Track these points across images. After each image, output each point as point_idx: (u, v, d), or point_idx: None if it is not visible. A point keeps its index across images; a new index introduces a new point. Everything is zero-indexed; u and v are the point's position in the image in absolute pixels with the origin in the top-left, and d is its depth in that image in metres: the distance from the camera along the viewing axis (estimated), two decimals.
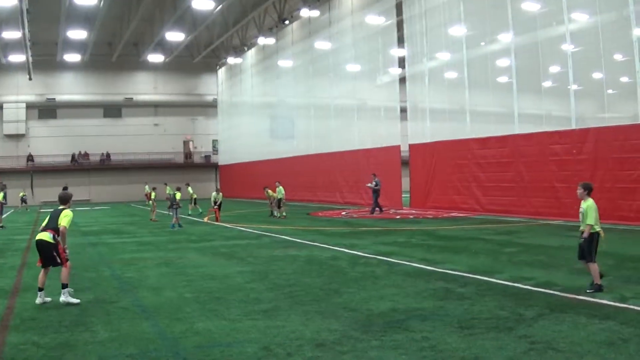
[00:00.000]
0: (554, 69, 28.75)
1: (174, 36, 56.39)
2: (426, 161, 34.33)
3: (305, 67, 50.61)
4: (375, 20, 40.58)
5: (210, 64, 72.11)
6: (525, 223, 24.79)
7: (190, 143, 74.25)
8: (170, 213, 29.11)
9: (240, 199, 59.69)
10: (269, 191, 33.85)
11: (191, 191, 37.23)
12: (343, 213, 35.16)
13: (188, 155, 74.41)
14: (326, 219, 31.41)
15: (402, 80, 38.98)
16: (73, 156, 69.30)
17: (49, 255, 10.74)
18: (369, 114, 41.98)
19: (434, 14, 34.11)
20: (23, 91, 65.65)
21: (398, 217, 30.71)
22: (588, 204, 10.77)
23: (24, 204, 53.35)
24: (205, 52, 66.54)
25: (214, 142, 74.35)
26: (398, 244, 18.95)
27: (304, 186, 49.03)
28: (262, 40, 56.74)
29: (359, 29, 42.61)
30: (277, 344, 7.87)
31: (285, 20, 51.61)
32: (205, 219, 32.37)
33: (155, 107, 72.86)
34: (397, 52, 39.73)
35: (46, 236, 10.72)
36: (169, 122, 73.14)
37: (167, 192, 38.67)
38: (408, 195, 36.80)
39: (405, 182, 37.09)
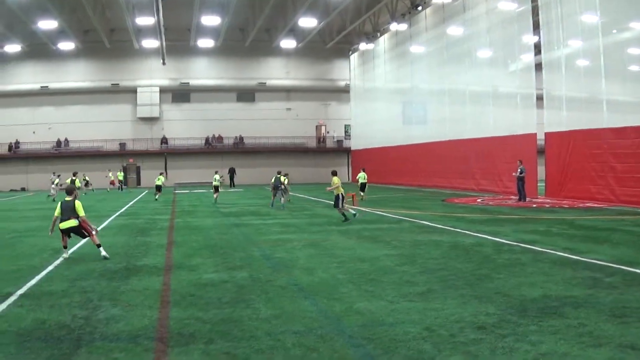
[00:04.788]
0: None
1: (307, 22, 57.39)
2: (562, 150, 33.47)
3: (438, 53, 50.10)
4: (509, 6, 39.79)
5: (343, 49, 72.33)
6: None
7: (323, 128, 74.77)
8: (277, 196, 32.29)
9: (372, 184, 59.94)
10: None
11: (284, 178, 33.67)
12: (479, 200, 34.94)
13: (321, 139, 75.02)
14: (462, 206, 31.34)
15: (535, 67, 38.38)
16: (207, 139, 71.49)
17: (78, 232, 14.75)
18: (503, 101, 41.07)
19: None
20: (157, 75, 68.46)
21: (534, 205, 30.24)
22: None
23: (86, 187, 53.34)
24: (338, 38, 67.09)
25: (346, 126, 74.41)
26: (539, 232, 18.77)
27: (437, 172, 48.86)
28: (394, 27, 56.70)
29: (493, 15, 41.92)
30: (439, 325, 8.14)
31: (418, 6, 51.41)
32: None
33: (288, 92, 73.96)
34: (529, 38, 39.07)
35: (72, 223, 14.54)
36: (301, 107, 74.05)
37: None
38: (543, 184, 36.28)
39: (540, 171, 36.67)
